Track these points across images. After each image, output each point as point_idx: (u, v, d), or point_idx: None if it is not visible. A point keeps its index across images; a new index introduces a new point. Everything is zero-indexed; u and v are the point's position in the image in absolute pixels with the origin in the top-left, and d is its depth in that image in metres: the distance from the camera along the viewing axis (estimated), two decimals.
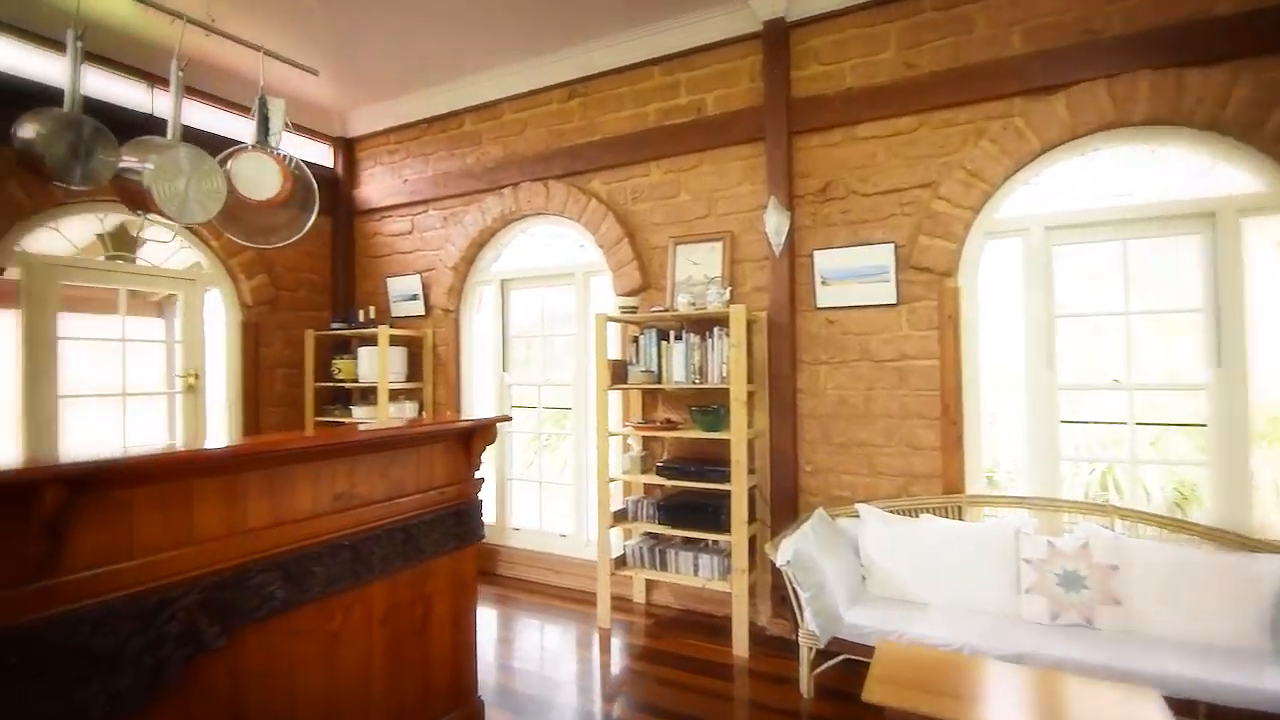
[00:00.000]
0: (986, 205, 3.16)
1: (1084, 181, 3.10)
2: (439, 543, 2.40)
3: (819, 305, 3.49)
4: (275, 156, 2.30)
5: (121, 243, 4.05)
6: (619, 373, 3.72)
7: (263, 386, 4.70)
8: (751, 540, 3.44)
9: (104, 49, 3.71)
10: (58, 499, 1.36)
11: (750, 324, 3.55)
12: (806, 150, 3.54)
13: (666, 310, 3.58)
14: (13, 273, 3.56)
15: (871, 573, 3.02)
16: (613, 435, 3.69)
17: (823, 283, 3.48)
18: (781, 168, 3.52)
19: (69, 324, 3.82)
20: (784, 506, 3.51)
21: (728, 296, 3.47)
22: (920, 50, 3.26)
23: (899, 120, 3.31)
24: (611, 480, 3.63)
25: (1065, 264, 3.17)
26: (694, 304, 3.52)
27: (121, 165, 1.87)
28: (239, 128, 4.25)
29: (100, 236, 3.96)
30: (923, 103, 3.23)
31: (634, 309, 3.74)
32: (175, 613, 1.62)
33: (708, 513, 3.40)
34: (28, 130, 1.83)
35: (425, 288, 4.83)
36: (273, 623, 1.85)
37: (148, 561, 1.59)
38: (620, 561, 3.69)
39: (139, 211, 2.02)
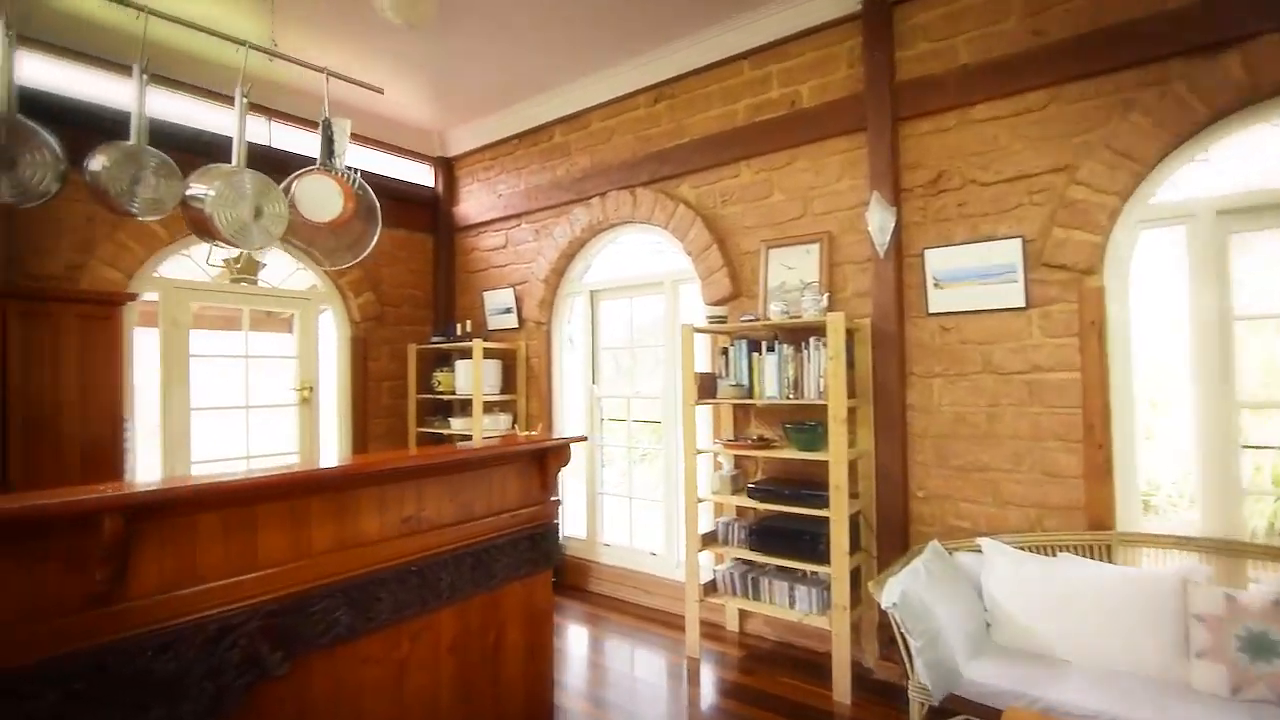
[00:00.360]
0: (1139, 189, 2.67)
1: (1271, 155, 2.54)
2: (511, 568, 2.32)
3: (931, 310, 3.11)
4: (337, 177, 2.33)
5: (246, 267, 4.37)
6: (707, 387, 3.52)
7: (370, 398, 4.92)
8: (855, 571, 3.12)
9: (172, 70, 3.84)
10: (115, 528, 1.38)
11: (851, 333, 3.24)
12: (914, 139, 3.17)
13: (757, 320, 3.34)
14: (152, 296, 3.93)
15: (997, 619, 2.61)
16: (701, 453, 3.49)
17: (935, 285, 3.10)
18: (885, 159, 3.18)
19: (201, 341, 4.17)
20: (892, 536, 3.16)
21: (825, 303, 3.17)
22: (1049, 14, 2.83)
23: (1025, 97, 2.88)
24: (700, 501, 3.43)
25: (1244, 256, 2.61)
26: (787, 312, 3.26)
27: (187, 193, 1.94)
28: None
29: (226, 261, 4.30)
30: (1054, 74, 2.79)
31: (723, 318, 3.52)
32: (237, 639, 1.61)
33: (804, 540, 3.11)
34: (96, 163, 1.94)
35: (518, 301, 4.87)
36: (339, 650, 1.83)
37: (211, 587, 1.59)
38: (710, 587, 3.47)
39: (207, 239, 2.11)
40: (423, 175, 5.36)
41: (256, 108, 4.29)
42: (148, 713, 1.47)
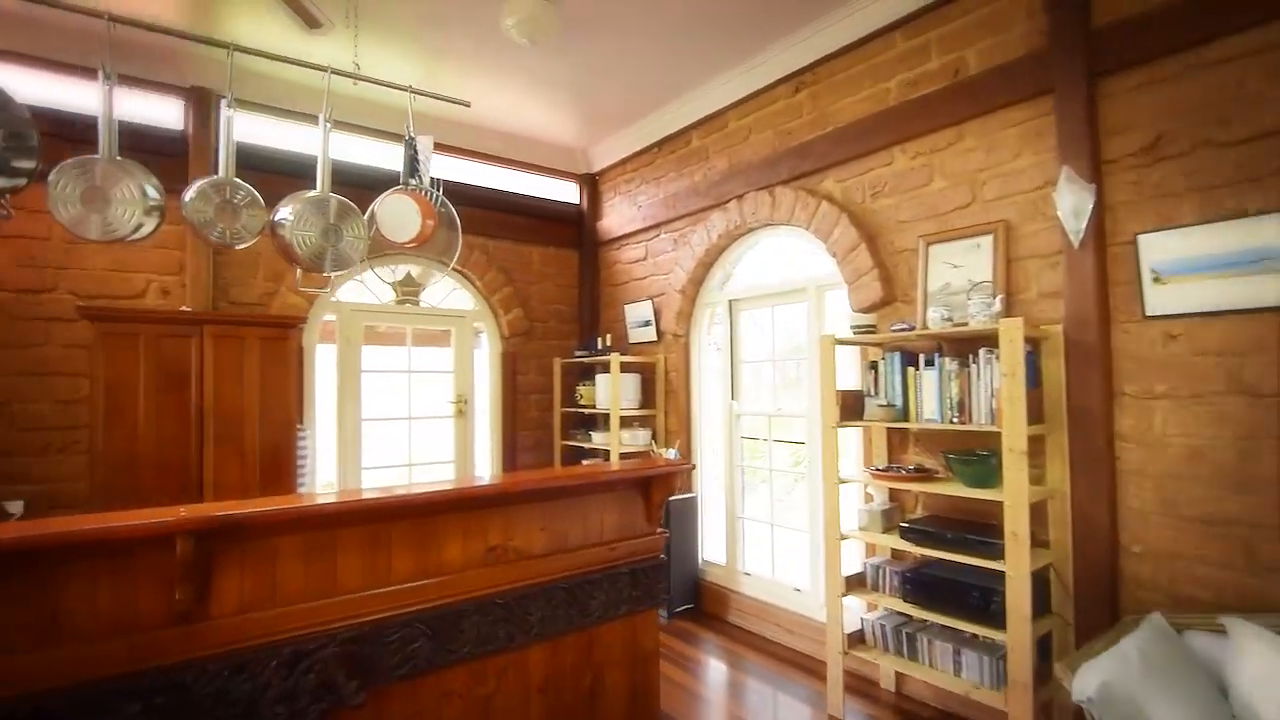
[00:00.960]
0: None
1: None
2: (610, 604, 2.13)
3: (1150, 313, 2.42)
4: (416, 195, 2.33)
5: (409, 289, 4.72)
6: (852, 406, 3.08)
7: (519, 411, 5.07)
8: (1044, 639, 2.51)
9: (257, 96, 4.17)
10: (187, 549, 1.40)
11: (1036, 343, 2.63)
12: (1119, 96, 2.51)
13: (912, 328, 2.85)
14: (331, 317, 4.37)
15: None
16: (844, 482, 3.05)
17: (1155, 279, 2.41)
18: (1080, 126, 2.55)
19: (372, 357, 4.57)
20: (1095, 601, 2.49)
21: (999, 307, 2.62)
22: None
23: None
24: (843, 537, 2.99)
25: None
26: (950, 319, 2.74)
27: (274, 219, 2.03)
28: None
29: (393, 284, 4.67)
30: None
31: (871, 328, 3.07)
32: (313, 665, 1.60)
33: (973, 596, 2.56)
34: (187, 196, 2.08)
35: (656, 313, 4.73)
36: (418, 682, 1.76)
37: (289, 610, 1.60)
38: (857, 638, 3.02)
39: (293, 264, 2.20)
40: (569, 193, 5.46)
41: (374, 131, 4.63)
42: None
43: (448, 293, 4.94)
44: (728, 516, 4.26)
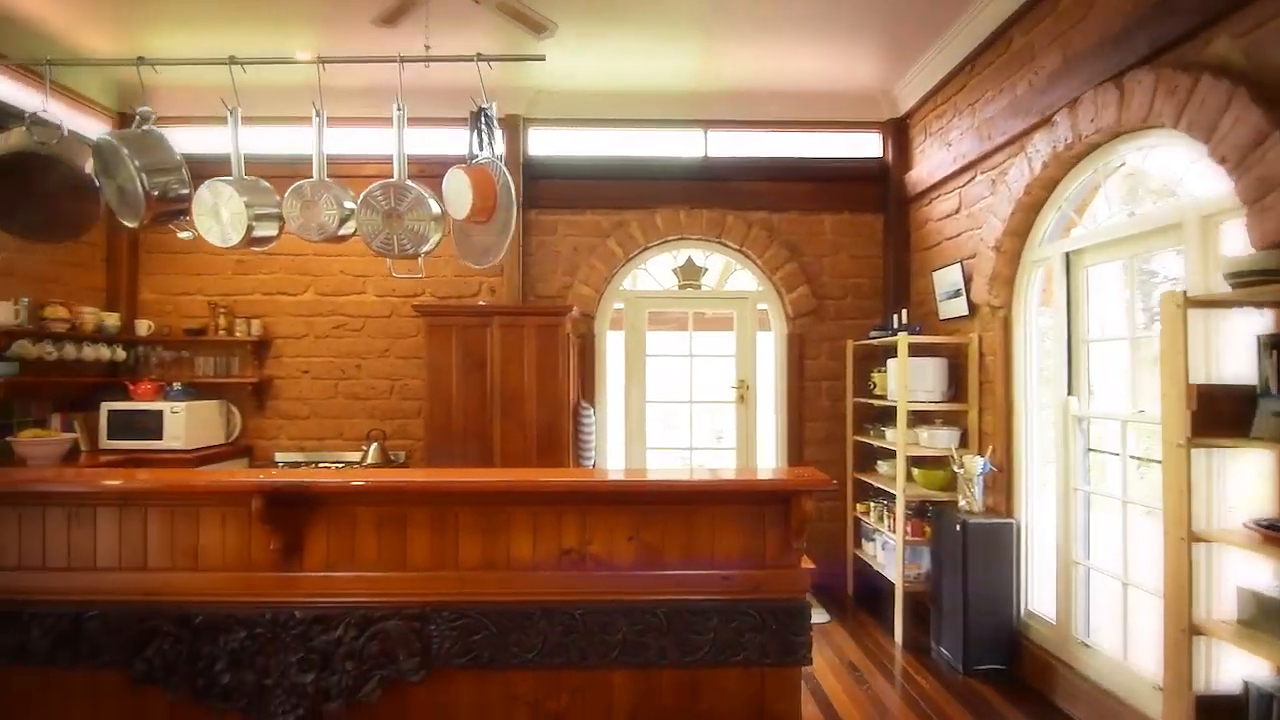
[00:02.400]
0: None
1: None
2: (723, 648, 1.70)
3: None
4: (470, 169, 2.13)
5: (689, 274, 4.71)
6: (1229, 412, 1.82)
7: (806, 400, 4.59)
8: None
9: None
10: (259, 506, 1.60)
11: None
12: None
13: None
14: (619, 305, 4.66)
15: None
16: (1201, 540, 1.82)
17: None
18: None
19: (656, 342, 4.72)
20: None
21: None
22: None
23: None
24: (1198, 633, 1.80)
25: None
26: None
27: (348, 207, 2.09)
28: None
29: (674, 270, 4.73)
30: None
31: (1266, 274, 1.75)
32: (377, 632, 1.67)
33: None
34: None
35: (966, 279, 3.67)
36: (482, 676, 1.70)
37: (361, 576, 1.71)
38: None
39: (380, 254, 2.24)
40: (869, 146, 4.67)
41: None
42: (305, 672, 1.67)
43: (730, 275, 4.76)
44: (1060, 559, 3.04)
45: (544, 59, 1.99)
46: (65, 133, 1.80)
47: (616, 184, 4.56)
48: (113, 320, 4.24)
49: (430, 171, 4.40)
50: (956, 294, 3.77)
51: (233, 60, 1.98)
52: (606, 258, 4.56)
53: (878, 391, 4.18)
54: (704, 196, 4.57)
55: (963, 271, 3.69)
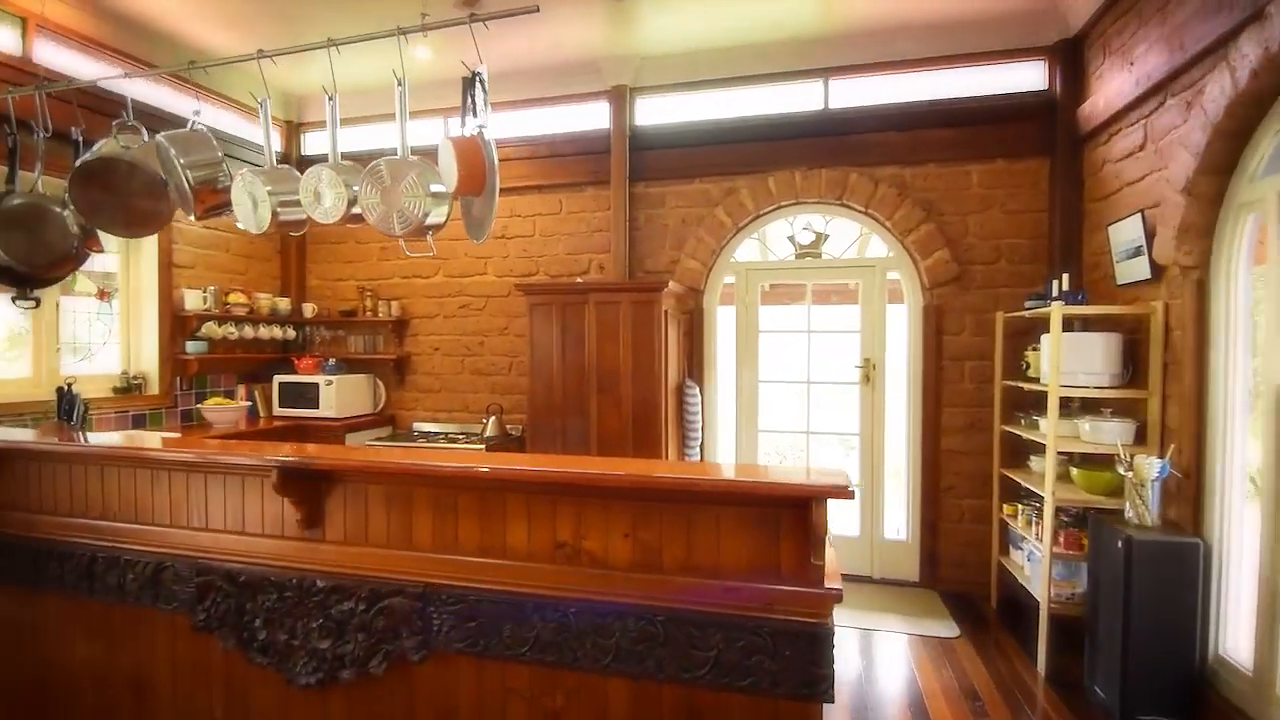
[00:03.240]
0: None
1: None
2: (727, 670, 1.49)
3: None
4: (461, 140, 1.92)
5: (807, 242, 4.30)
6: None
7: (944, 382, 4.00)
8: None
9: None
10: (279, 480, 1.68)
11: None
12: None
13: None
14: (730, 279, 4.40)
15: None
16: None
17: None
18: None
19: (771, 317, 4.40)
20: None
21: None
22: None
23: None
24: None
25: None
26: None
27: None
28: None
29: (790, 238, 4.34)
30: None
31: None
32: (384, 608, 1.70)
33: None
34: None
35: (1149, 234, 2.91)
36: (480, 665, 1.66)
37: (373, 552, 1.75)
38: None
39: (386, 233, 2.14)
40: (1030, 78, 3.87)
41: None
42: (324, 638, 1.75)
43: (851, 241, 4.26)
44: (1265, 594, 2.31)
45: (537, 9, 1.82)
46: (145, 138, 2.04)
47: (726, 149, 4.27)
48: (284, 304, 4.87)
49: (560, 150, 4.49)
50: (1136, 253, 3.01)
51: (260, 54, 2.08)
52: (714, 229, 4.31)
53: (1032, 373, 3.51)
54: (823, 154, 4.11)
55: (1144, 224, 2.93)
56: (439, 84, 4.40)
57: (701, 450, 4.31)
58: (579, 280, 4.05)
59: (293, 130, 5.03)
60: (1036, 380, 3.39)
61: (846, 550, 4.18)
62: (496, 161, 1.94)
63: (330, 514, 1.80)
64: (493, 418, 4.46)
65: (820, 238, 4.28)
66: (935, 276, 3.97)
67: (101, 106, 3.10)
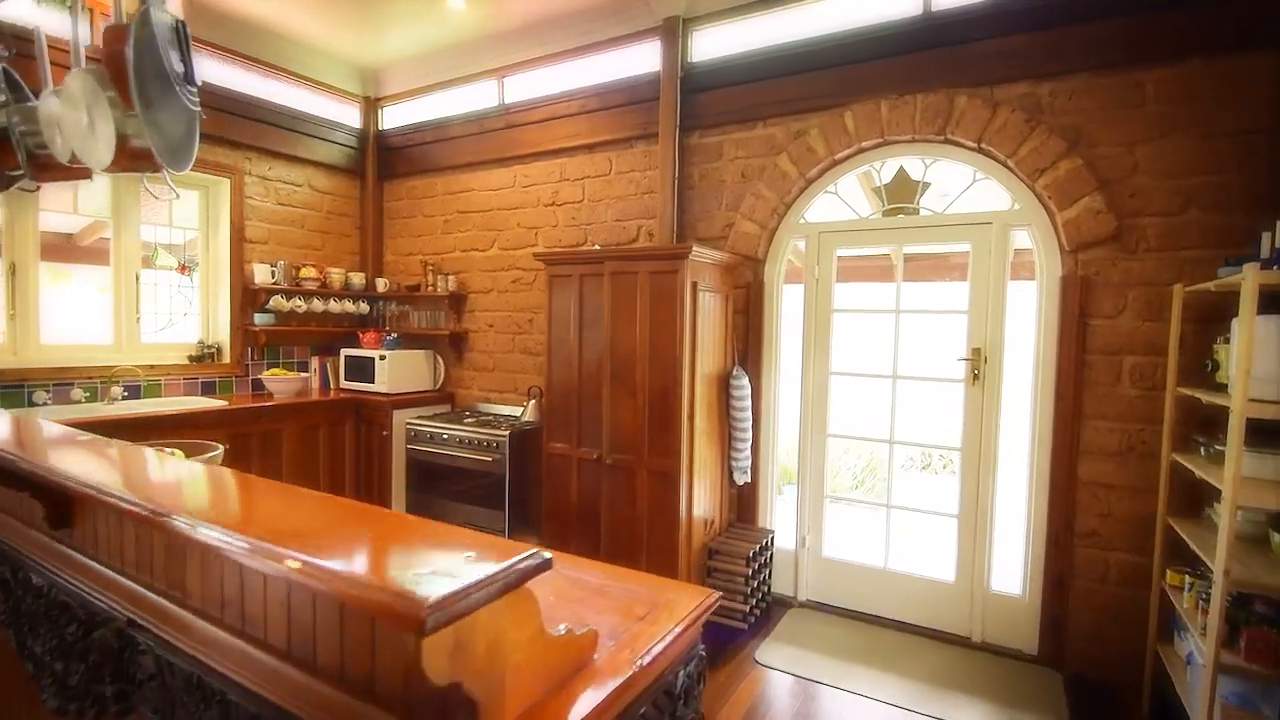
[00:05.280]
0: None
1: None
2: None
3: None
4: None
5: (899, 192, 3.30)
6: None
7: (1090, 385, 2.83)
8: None
9: None
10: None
11: None
12: None
13: None
14: (800, 242, 3.55)
15: None
16: None
17: None
18: None
19: (850, 295, 3.49)
20: None
21: None
22: None
23: None
24: None
25: None
26: None
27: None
28: None
29: (875, 190, 3.37)
30: None
31: None
32: (93, 641, 1.36)
33: None
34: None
35: None
36: None
37: (93, 566, 1.41)
38: None
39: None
40: None
41: None
42: (60, 662, 1.46)
43: (963, 188, 3.18)
44: None
45: None
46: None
47: (795, 81, 3.41)
48: (358, 279, 4.94)
49: (610, 102, 3.95)
50: None
51: None
52: (776, 182, 3.49)
53: (1220, 377, 2.30)
54: (919, 74, 3.10)
55: None
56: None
57: (753, 454, 3.56)
58: (596, 247, 3.50)
59: (370, 106, 5.05)
60: (1224, 388, 2.19)
61: (936, 600, 3.20)
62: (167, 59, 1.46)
63: (78, 525, 1.51)
64: (532, 401, 4.10)
65: (915, 187, 3.26)
66: (1080, 234, 2.81)
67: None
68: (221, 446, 2.00)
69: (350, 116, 4.99)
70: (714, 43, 3.70)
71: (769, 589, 3.52)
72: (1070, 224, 2.82)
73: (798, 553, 3.56)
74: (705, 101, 3.68)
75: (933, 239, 3.27)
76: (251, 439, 3.90)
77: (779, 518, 3.67)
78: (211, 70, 4.10)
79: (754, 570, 3.24)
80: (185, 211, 4.29)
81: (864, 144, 3.26)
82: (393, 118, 5.06)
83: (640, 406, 3.17)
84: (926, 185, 3.25)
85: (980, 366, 3.10)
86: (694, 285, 3.10)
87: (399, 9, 3.98)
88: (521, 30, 4.17)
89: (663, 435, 3.13)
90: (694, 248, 3.03)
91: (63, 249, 3.80)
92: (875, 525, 3.33)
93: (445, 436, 4.07)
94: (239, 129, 4.26)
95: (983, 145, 2.99)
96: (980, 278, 3.10)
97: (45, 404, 3.52)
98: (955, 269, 3.25)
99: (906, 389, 3.31)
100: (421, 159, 4.86)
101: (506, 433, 3.83)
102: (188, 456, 1.85)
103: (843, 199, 3.46)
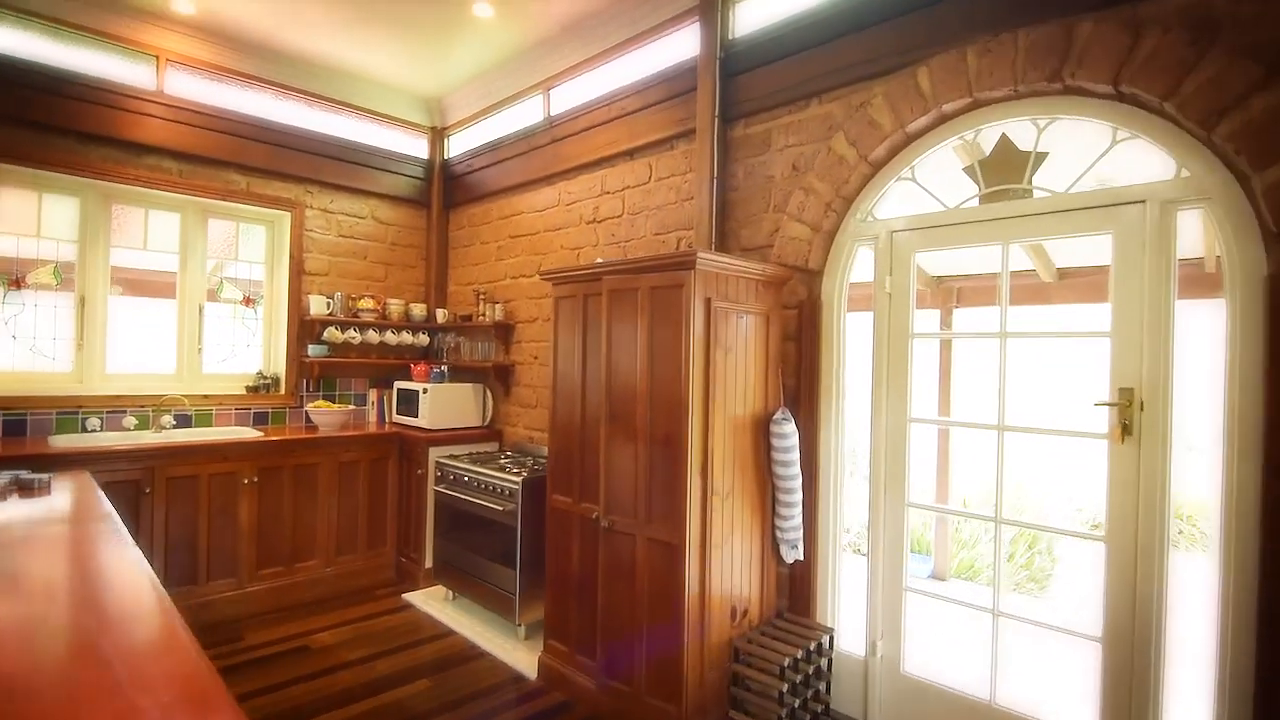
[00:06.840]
0: None
1: None
2: None
3: None
4: None
5: (999, 169, 2.38)
6: None
7: None
8: None
9: None
10: None
11: None
12: None
13: None
14: (867, 248, 2.72)
15: None
16: None
17: None
18: None
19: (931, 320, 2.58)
20: None
21: None
22: None
23: None
24: None
25: None
26: None
27: None
28: None
29: (969, 169, 2.47)
30: None
31: None
32: None
33: None
34: None
35: None
36: None
37: None
38: None
39: None
40: None
41: None
42: None
43: (1096, 155, 2.20)
44: None
45: None
46: None
47: (855, 41, 2.66)
48: (419, 310, 4.81)
49: (650, 99, 3.44)
50: None
51: None
52: (829, 170, 2.72)
53: None
54: (1019, 4, 2.22)
55: None
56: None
57: (805, 523, 2.73)
58: (599, 261, 2.91)
59: (437, 136, 4.97)
60: None
61: None
62: None
63: None
64: None
65: (1023, 159, 2.33)
66: None
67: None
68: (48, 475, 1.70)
69: (417, 148, 4.94)
70: (758, 13, 3.05)
71: (826, 708, 2.63)
72: (1276, 190, 1.77)
73: (867, 662, 2.64)
74: (749, 84, 3.02)
75: (1053, 230, 2.29)
76: (283, 472, 3.78)
77: (845, 609, 2.78)
78: (271, 106, 4.20)
79: (793, 685, 2.40)
80: (253, 246, 4.41)
81: (945, 107, 2.40)
82: (457, 145, 4.95)
83: (641, 454, 2.52)
84: (1042, 156, 2.31)
85: (1133, 415, 2.07)
86: (707, 302, 2.43)
87: (454, 33, 3.83)
88: (561, 34, 3.83)
89: (665, 495, 2.45)
90: (700, 254, 2.37)
91: (133, 282, 4.01)
92: (978, 632, 2.36)
93: (467, 479, 3.67)
94: (299, 164, 4.31)
95: (1121, 87, 2.02)
96: (1128, 284, 2.09)
97: (96, 430, 3.64)
98: (1083, 282, 2.24)
99: (1021, 444, 2.32)
100: (479, 184, 4.66)
101: (519, 479, 3.33)
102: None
103: (924, 188, 2.60)
